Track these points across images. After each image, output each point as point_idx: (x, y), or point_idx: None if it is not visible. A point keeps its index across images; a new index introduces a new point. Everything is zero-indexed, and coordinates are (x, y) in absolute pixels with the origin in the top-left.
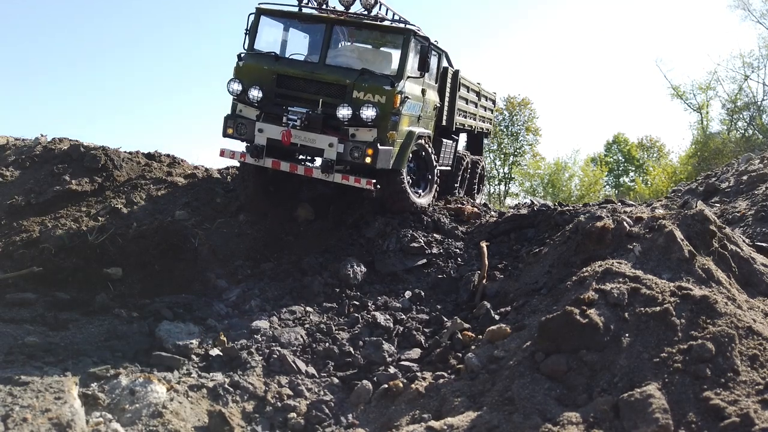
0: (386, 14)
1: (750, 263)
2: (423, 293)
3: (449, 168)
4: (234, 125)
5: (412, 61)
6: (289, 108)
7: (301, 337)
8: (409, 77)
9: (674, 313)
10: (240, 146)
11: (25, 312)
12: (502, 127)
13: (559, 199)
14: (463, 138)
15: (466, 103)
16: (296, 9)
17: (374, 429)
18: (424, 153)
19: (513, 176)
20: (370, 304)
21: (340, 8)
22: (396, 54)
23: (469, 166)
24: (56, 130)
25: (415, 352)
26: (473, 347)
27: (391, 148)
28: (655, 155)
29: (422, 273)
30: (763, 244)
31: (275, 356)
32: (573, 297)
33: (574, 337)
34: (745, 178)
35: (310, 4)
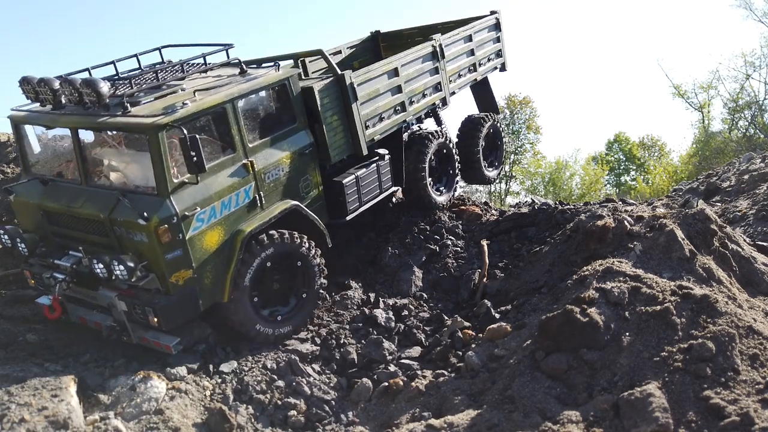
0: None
1: (751, 263)
2: (424, 291)
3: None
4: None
5: (175, 164)
6: (56, 261)
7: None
8: (185, 184)
9: (675, 312)
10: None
11: (25, 309)
12: (502, 126)
13: (560, 197)
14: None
15: (393, 94)
16: (48, 110)
17: (374, 427)
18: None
19: (514, 175)
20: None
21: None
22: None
23: (447, 145)
24: None
25: (416, 350)
26: (473, 345)
27: (189, 289)
28: (656, 154)
29: (423, 271)
30: (764, 244)
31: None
32: (573, 296)
33: (575, 336)
34: (746, 177)
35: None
